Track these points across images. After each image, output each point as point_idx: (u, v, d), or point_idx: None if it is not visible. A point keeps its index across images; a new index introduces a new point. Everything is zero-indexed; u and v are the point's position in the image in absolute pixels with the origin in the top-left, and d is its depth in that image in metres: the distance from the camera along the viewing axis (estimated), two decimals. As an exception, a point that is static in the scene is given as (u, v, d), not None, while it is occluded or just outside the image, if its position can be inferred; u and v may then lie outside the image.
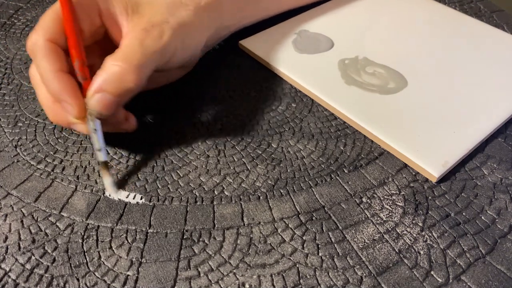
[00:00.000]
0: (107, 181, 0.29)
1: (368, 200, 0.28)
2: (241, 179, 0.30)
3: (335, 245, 0.26)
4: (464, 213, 0.27)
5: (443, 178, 0.29)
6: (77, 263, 0.25)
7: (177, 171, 0.30)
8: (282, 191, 0.29)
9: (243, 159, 0.31)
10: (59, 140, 0.32)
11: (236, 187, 0.29)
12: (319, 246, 0.26)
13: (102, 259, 0.25)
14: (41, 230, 0.27)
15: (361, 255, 0.25)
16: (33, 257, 0.25)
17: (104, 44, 0.30)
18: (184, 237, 0.26)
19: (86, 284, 0.24)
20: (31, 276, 0.25)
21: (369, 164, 0.30)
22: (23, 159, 0.31)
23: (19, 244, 0.26)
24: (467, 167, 0.30)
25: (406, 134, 0.31)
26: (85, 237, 0.26)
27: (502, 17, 0.45)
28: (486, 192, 0.29)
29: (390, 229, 0.27)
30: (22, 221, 0.27)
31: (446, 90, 0.35)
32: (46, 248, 0.26)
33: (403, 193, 0.29)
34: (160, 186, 0.29)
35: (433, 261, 0.25)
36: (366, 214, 0.27)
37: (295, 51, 0.39)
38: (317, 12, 0.43)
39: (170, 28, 0.29)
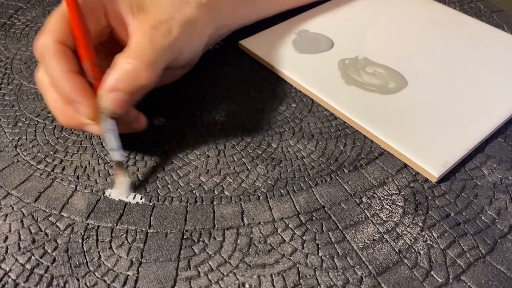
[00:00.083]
0: (125, 181, 0.29)
1: (368, 200, 0.28)
2: (241, 179, 0.30)
3: (335, 245, 0.26)
4: (464, 213, 0.27)
5: (443, 178, 0.29)
6: (77, 263, 0.25)
7: (177, 171, 0.30)
8: (282, 191, 0.29)
9: (243, 159, 0.31)
10: (59, 140, 0.32)
11: (236, 187, 0.29)
12: (319, 246, 0.26)
13: (102, 259, 0.25)
14: (41, 230, 0.27)
15: (361, 255, 0.25)
16: (33, 257, 0.25)
17: (108, 44, 0.31)
18: (184, 237, 0.26)
19: (86, 284, 0.24)
20: (31, 276, 0.25)
21: (369, 164, 0.30)
22: (23, 159, 0.31)
23: (19, 244, 0.26)
24: (467, 167, 0.30)
25: (406, 134, 0.31)
26: (85, 237, 0.26)
27: (502, 17, 0.45)
28: (486, 192, 0.29)
29: (390, 229, 0.27)
30: (22, 221, 0.27)
31: (446, 90, 0.35)
32: (46, 248, 0.26)
33: (403, 193, 0.29)
34: (160, 186, 0.29)
35: (433, 261, 0.25)
36: (366, 214, 0.27)
37: (295, 51, 0.39)
38: (317, 12, 0.43)
39: (178, 25, 0.29)
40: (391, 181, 0.29)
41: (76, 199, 0.28)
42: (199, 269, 0.25)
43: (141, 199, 0.28)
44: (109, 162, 0.31)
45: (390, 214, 0.27)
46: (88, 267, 0.25)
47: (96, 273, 0.25)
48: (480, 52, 0.38)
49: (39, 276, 0.25)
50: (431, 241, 0.26)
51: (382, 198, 0.28)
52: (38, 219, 0.27)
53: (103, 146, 0.32)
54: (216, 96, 0.36)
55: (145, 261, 0.25)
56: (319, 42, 0.39)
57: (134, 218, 0.27)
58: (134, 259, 0.25)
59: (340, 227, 0.27)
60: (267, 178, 0.30)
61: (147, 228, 0.27)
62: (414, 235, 0.26)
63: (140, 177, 0.30)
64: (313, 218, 0.27)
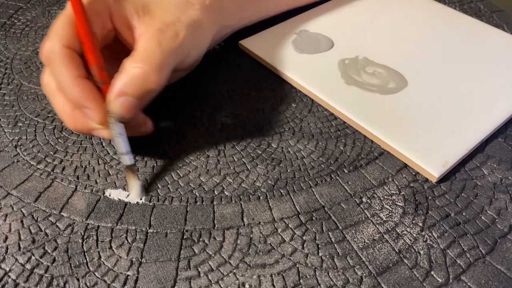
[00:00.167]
0: (136, 185, 0.28)
1: (368, 200, 0.28)
2: (241, 179, 0.30)
3: (335, 245, 0.26)
4: (464, 213, 0.27)
5: (443, 178, 0.29)
6: (77, 263, 0.25)
7: (177, 171, 0.30)
8: (282, 191, 0.29)
9: (243, 159, 0.31)
10: (59, 140, 0.32)
11: (236, 187, 0.29)
12: (319, 246, 0.26)
13: (102, 259, 0.25)
14: (41, 230, 0.27)
15: (361, 255, 0.25)
16: (33, 257, 0.25)
17: (113, 47, 0.30)
18: (184, 237, 0.26)
19: (86, 284, 0.24)
20: (31, 276, 0.25)
21: (369, 164, 0.30)
22: (23, 159, 0.31)
23: (19, 244, 0.26)
24: (467, 167, 0.30)
25: (406, 134, 0.31)
26: (85, 237, 0.26)
27: (502, 17, 0.45)
28: (486, 192, 0.29)
29: (390, 229, 0.27)
30: (22, 221, 0.27)
31: (446, 90, 0.35)
32: (46, 248, 0.26)
33: (403, 193, 0.29)
34: (160, 186, 0.29)
35: (433, 261, 0.25)
36: (366, 214, 0.27)
37: (295, 51, 0.39)
38: (317, 12, 0.43)
39: (184, 27, 0.29)
40: (391, 181, 0.29)
41: (76, 199, 0.28)
42: (199, 269, 0.25)
43: (141, 199, 0.28)
44: (109, 162, 0.31)
45: (390, 214, 0.27)
46: (88, 267, 0.25)
47: (96, 273, 0.25)
48: (480, 52, 0.38)
49: (39, 276, 0.25)
50: (431, 241, 0.26)
51: (382, 198, 0.28)
52: (38, 219, 0.27)
53: (103, 146, 0.32)
54: (216, 96, 0.36)
55: (145, 261, 0.25)
56: (319, 42, 0.39)
57: (134, 218, 0.27)
58: (134, 259, 0.25)
59: (340, 227, 0.27)
60: (267, 178, 0.30)
61: (147, 228, 0.27)
62: (414, 235, 0.26)
63: (140, 177, 0.30)
64: (313, 218, 0.27)
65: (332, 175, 0.30)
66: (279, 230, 0.27)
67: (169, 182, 0.29)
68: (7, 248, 0.26)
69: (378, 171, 0.30)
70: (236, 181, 0.29)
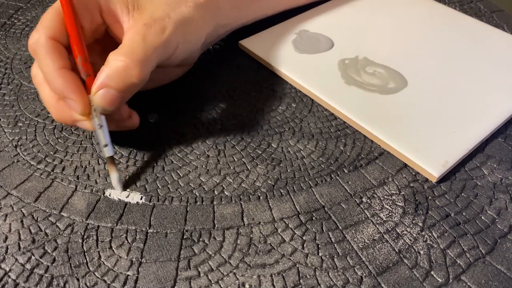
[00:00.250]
0: (114, 176, 0.29)
1: (368, 200, 0.28)
2: (241, 179, 0.30)
3: (335, 245, 0.26)
4: (464, 213, 0.27)
5: (443, 178, 0.29)
6: (77, 263, 0.25)
7: (177, 171, 0.30)
8: (282, 191, 0.29)
9: (243, 159, 0.31)
10: (59, 140, 0.32)
11: (236, 187, 0.29)
12: (319, 246, 0.26)
13: (102, 259, 0.25)
14: (41, 230, 0.27)
15: (361, 255, 0.25)
16: (33, 257, 0.25)
17: (104, 42, 0.31)
18: (184, 237, 0.26)
19: (86, 284, 0.24)
20: (31, 276, 0.25)
21: (369, 164, 0.30)
22: (23, 159, 0.31)
23: (19, 244, 0.26)
24: (467, 167, 0.30)
25: (406, 134, 0.31)
26: (85, 237, 0.26)
27: (502, 17, 0.45)
28: (486, 192, 0.29)
29: (390, 229, 0.27)
30: (22, 221, 0.27)
31: (446, 90, 0.35)
32: (46, 248, 0.26)
33: (403, 193, 0.29)
34: (160, 186, 0.29)
35: (433, 261, 0.25)
36: (366, 214, 0.27)
37: (295, 51, 0.39)
38: (317, 12, 0.43)
39: (172, 23, 0.29)
40: (391, 181, 0.29)
41: (76, 199, 0.28)
42: (199, 269, 0.25)
43: (141, 199, 0.28)
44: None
45: (390, 214, 0.27)
46: (88, 267, 0.25)
47: (96, 273, 0.25)
48: (480, 52, 0.38)
49: (39, 276, 0.25)
50: (431, 241, 0.26)
51: (382, 198, 0.28)
52: (38, 219, 0.27)
53: (103, 146, 0.32)
54: (216, 96, 0.36)
55: (145, 261, 0.25)
56: (319, 42, 0.39)
57: (134, 218, 0.27)
58: (134, 259, 0.25)
59: (340, 227, 0.27)
60: (267, 178, 0.30)
61: (147, 228, 0.27)
62: (414, 235, 0.26)
63: (140, 177, 0.30)
64: (313, 218, 0.27)
65: (332, 175, 0.30)
66: (279, 230, 0.27)
67: (169, 182, 0.29)
68: (7, 248, 0.26)
69: (378, 171, 0.30)
70: (236, 181, 0.29)
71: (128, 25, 0.29)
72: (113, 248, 0.26)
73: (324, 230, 0.27)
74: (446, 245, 0.26)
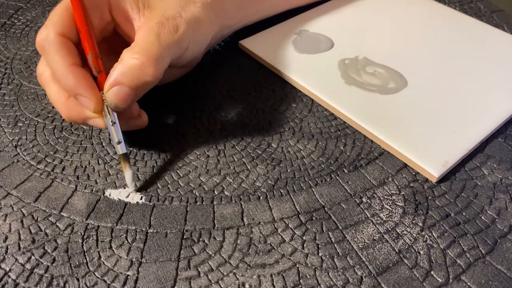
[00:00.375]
0: (128, 174, 0.28)
1: (368, 200, 0.28)
2: (241, 179, 0.30)
3: (335, 245, 0.26)
4: (464, 213, 0.27)
5: (443, 178, 0.29)
6: (77, 263, 0.25)
7: (177, 171, 0.30)
8: (282, 191, 0.29)
9: (243, 159, 0.31)
10: (59, 140, 0.32)
11: (236, 187, 0.29)
12: (319, 246, 0.26)
13: (102, 259, 0.25)
14: (41, 230, 0.27)
15: (361, 255, 0.25)
16: (33, 257, 0.25)
17: (112, 41, 0.31)
18: (184, 237, 0.26)
19: (86, 284, 0.24)
20: (31, 276, 0.25)
21: (369, 164, 0.30)
22: (23, 159, 0.31)
23: (19, 244, 0.26)
24: (467, 167, 0.30)
25: (406, 134, 0.31)
26: (85, 237, 0.26)
27: (502, 17, 0.45)
28: (486, 192, 0.29)
29: (390, 229, 0.27)
30: (22, 221, 0.27)
31: (446, 90, 0.35)
32: (46, 248, 0.26)
33: (403, 193, 0.29)
34: (160, 186, 0.29)
35: (433, 261, 0.25)
36: (366, 214, 0.27)
37: (295, 51, 0.39)
38: (317, 12, 0.43)
39: (184, 22, 0.29)
40: (391, 181, 0.29)
41: (76, 199, 0.28)
42: (199, 269, 0.25)
43: (141, 199, 0.28)
44: (109, 162, 0.31)
45: (390, 214, 0.27)
46: (88, 267, 0.25)
47: (96, 273, 0.25)
48: (480, 52, 0.38)
49: (39, 276, 0.25)
50: (431, 241, 0.26)
51: (382, 198, 0.28)
52: (38, 219, 0.27)
53: (103, 146, 0.32)
54: (216, 96, 0.36)
55: (145, 261, 0.25)
56: (319, 42, 0.39)
57: (134, 218, 0.27)
58: (134, 259, 0.25)
59: (340, 227, 0.27)
60: (267, 178, 0.30)
61: (147, 228, 0.27)
62: (414, 235, 0.26)
63: (139, 177, 0.30)
64: (313, 218, 0.27)
65: (332, 175, 0.30)
66: (279, 230, 0.27)
67: (169, 182, 0.29)
68: (7, 248, 0.26)
69: (378, 171, 0.30)
70: (236, 181, 0.29)
71: (139, 23, 0.29)
72: (113, 248, 0.26)
73: (324, 230, 0.27)
74: (446, 245, 0.26)
